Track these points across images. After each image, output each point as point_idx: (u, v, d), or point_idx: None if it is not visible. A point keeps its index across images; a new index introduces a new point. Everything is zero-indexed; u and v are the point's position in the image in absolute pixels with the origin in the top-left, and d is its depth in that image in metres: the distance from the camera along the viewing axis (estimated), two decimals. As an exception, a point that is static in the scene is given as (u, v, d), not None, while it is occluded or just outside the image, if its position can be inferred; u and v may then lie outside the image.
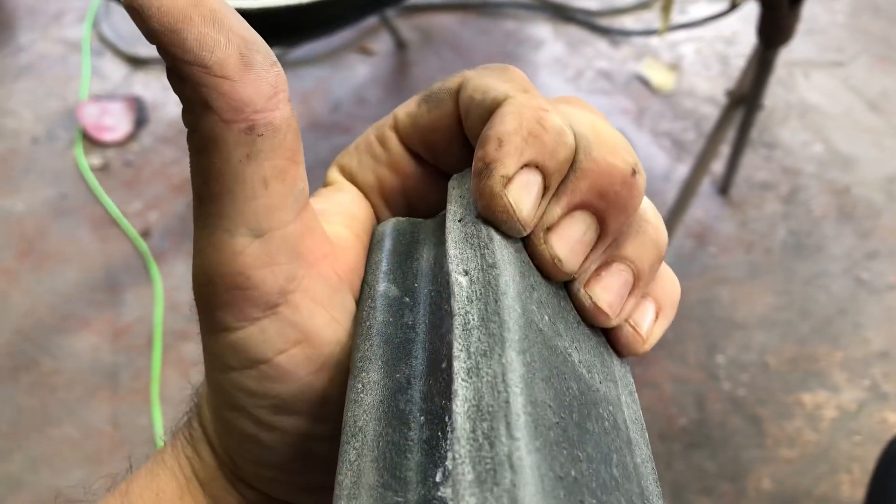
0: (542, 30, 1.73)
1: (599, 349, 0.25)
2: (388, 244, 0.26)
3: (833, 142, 1.53)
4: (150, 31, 0.20)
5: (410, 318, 0.24)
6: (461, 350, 0.20)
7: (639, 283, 0.25)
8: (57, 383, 1.20)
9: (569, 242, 0.24)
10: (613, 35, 1.72)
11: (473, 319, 0.21)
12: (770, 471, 1.12)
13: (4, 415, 1.17)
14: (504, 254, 0.23)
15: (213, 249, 0.23)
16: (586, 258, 0.24)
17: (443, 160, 0.27)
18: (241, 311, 0.23)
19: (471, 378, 0.19)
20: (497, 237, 0.23)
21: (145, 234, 1.37)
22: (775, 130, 1.55)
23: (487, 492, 0.17)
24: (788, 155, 1.51)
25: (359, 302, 0.26)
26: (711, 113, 1.55)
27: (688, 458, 1.13)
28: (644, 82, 1.63)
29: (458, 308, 0.21)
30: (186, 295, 1.29)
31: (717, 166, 1.44)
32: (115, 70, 1.64)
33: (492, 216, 0.23)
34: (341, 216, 0.27)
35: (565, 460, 0.19)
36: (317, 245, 0.24)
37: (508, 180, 0.22)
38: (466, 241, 0.23)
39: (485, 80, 0.25)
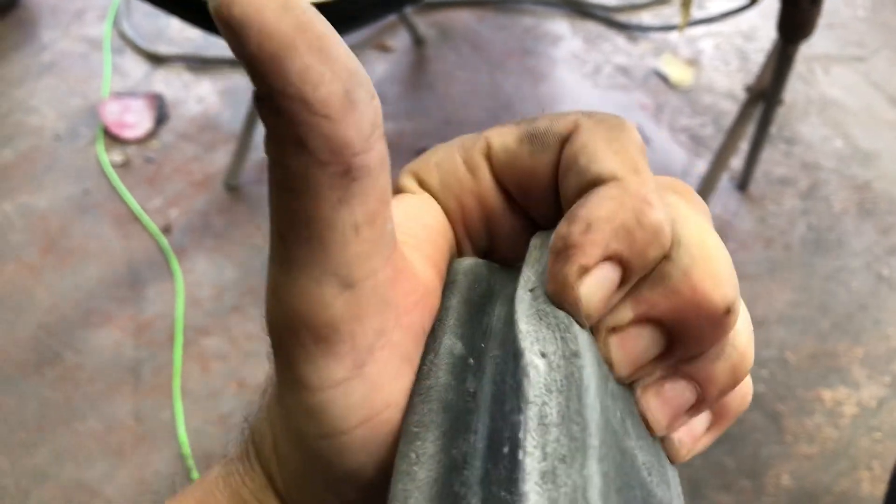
0: (560, 25, 1.73)
1: (656, 447, 0.23)
2: (461, 289, 0.24)
3: (853, 137, 1.52)
4: (247, 55, 0.17)
5: (473, 384, 0.21)
6: (535, 447, 0.18)
7: (701, 407, 0.23)
8: (80, 378, 1.22)
9: (629, 355, 0.22)
10: (631, 30, 1.71)
11: (552, 414, 0.19)
12: (789, 467, 1.12)
13: (29, 409, 1.19)
14: (584, 339, 0.20)
15: (299, 299, 0.20)
16: (646, 366, 0.22)
17: (534, 206, 0.24)
18: (327, 368, 0.21)
19: (546, 483, 0.18)
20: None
21: (166, 230, 1.38)
22: (795, 126, 1.54)
23: None
24: (808, 150, 1.50)
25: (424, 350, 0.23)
26: (730, 108, 1.54)
27: (706, 454, 1.13)
28: (662, 78, 1.62)
29: (535, 396, 0.19)
30: (207, 291, 1.31)
31: (736, 162, 1.43)
32: (135, 67, 1.65)
33: (557, 302, 0.21)
34: (423, 242, 0.24)
35: None
36: (407, 291, 0.22)
37: (585, 271, 0.20)
38: (540, 318, 0.21)
39: (597, 144, 0.22)
